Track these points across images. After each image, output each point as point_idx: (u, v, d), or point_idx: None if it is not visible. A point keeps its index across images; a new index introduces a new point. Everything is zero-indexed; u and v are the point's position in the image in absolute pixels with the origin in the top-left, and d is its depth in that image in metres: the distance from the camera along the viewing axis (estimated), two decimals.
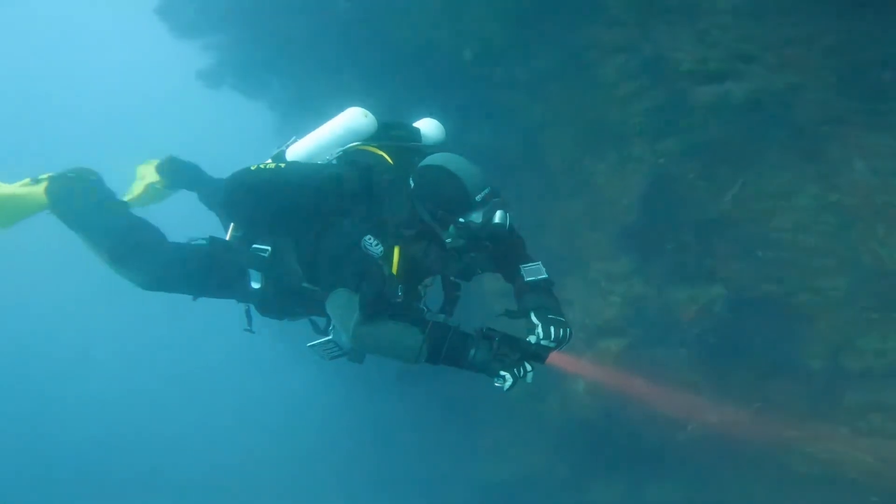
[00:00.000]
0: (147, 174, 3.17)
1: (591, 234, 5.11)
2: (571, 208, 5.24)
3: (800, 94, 3.75)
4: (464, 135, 3.32)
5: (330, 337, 2.46)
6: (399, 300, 2.27)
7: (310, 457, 8.95)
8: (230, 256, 2.60)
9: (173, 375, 11.07)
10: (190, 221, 2.94)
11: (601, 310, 4.98)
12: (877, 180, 3.55)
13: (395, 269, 2.25)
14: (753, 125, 4.00)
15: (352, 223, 2.29)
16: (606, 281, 5.01)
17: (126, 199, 3.05)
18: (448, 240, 2.24)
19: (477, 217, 2.19)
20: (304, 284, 2.43)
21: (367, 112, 2.58)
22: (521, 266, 2.48)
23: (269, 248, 2.47)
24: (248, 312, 2.75)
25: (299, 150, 2.65)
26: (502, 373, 2.07)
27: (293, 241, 2.44)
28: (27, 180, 2.83)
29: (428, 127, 2.76)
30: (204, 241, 2.66)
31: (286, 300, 2.58)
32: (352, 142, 2.57)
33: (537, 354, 2.17)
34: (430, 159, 2.31)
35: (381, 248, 2.25)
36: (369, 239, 2.25)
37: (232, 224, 2.68)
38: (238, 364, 10.46)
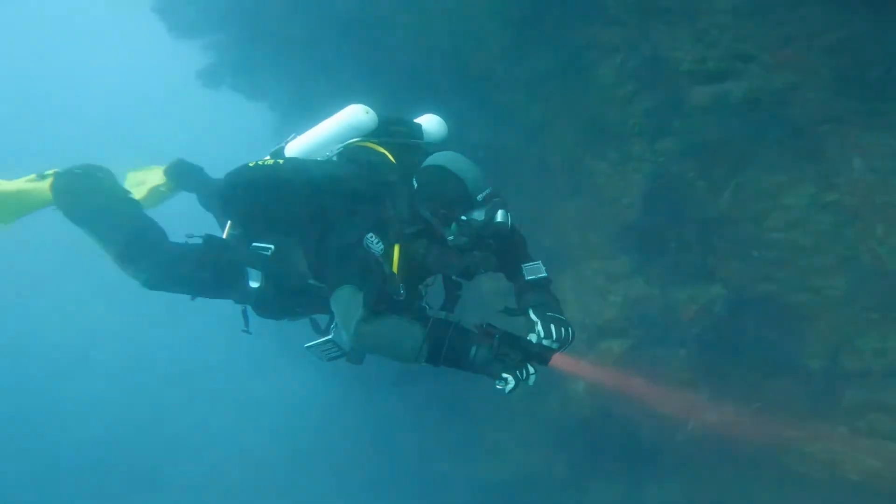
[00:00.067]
0: (148, 178, 3.16)
1: (590, 234, 5.12)
2: (571, 208, 5.24)
3: (798, 94, 3.75)
4: (464, 135, 3.31)
5: (330, 336, 2.45)
6: (401, 298, 2.26)
7: (309, 457, 8.94)
8: (228, 255, 2.58)
9: (172, 375, 11.06)
10: (190, 222, 2.93)
11: (601, 309, 4.98)
12: (875, 179, 3.55)
13: (395, 268, 2.25)
14: (752, 125, 4.00)
15: (354, 221, 2.29)
16: (606, 280, 5.01)
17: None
18: (450, 238, 2.24)
19: (479, 215, 2.19)
20: (311, 281, 2.43)
21: (368, 108, 2.57)
22: (522, 265, 2.49)
23: (271, 246, 2.45)
24: (244, 313, 2.73)
25: (298, 146, 2.63)
26: (504, 375, 2.06)
27: (297, 239, 2.43)
28: (32, 176, 2.82)
29: (430, 123, 2.75)
30: (199, 240, 2.64)
31: (287, 299, 2.56)
32: (352, 138, 2.56)
33: (541, 356, 2.16)
34: (432, 159, 2.31)
35: (382, 246, 2.24)
36: (371, 237, 2.24)
37: (229, 222, 2.67)
38: (237, 365, 10.45)
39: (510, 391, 2.06)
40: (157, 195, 3.16)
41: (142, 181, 3.13)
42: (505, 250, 2.37)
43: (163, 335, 11.54)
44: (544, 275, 2.45)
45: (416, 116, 2.80)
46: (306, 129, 2.68)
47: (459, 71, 5.57)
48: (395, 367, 6.40)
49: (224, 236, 2.67)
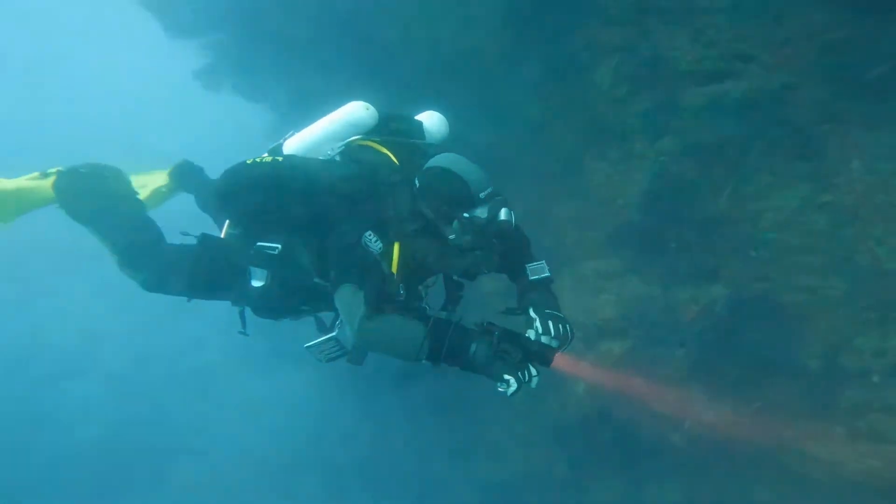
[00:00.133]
0: (150, 182, 3.16)
1: (590, 234, 5.12)
2: (570, 208, 5.24)
3: (797, 94, 3.75)
4: (464, 135, 3.32)
5: (332, 334, 2.44)
6: (400, 298, 2.26)
7: (308, 457, 8.93)
8: (228, 255, 2.57)
9: (172, 376, 11.05)
10: (189, 221, 2.92)
11: (601, 309, 4.98)
12: (874, 180, 3.55)
13: (394, 267, 2.24)
14: (751, 125, 4.00)
15: (354, 220, 2.28)
16: (605, 280, 5.02)
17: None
18: (451, 236, 2.23)
19: (482, 213, 2.19)
20: (316, 280, 2.42)
21: (368, 105, 2.55)
22: (526, 265, 2.48)
23: (278, 245, 2.44)
24: (242, 314, 2.71)
25: (298, 143, 2.61)
26: (506, 377, 2.05)
27: (301, 238, 2.43)
28: (35, 174, 2.82)
29: (430, 122, 2.74)
30: (194, 240, 2.63)
31: (292, 297, 2.56)
32: (353, 135, 2.55)
33: (542, 356, 2.15)
34: (434, 161, 2.30)
35: (381, 245, 2.23)
36: (369, 235, 2.23)
37: (227, 221, 2.66)
38: (236, 365, 10.44)
39: (512, 394, 2.05)
40: (158, 196, 3.17)
41: (143, 185, 3.13)
42: (508, 250, 2.37)
43: (163, 335, 11.53)
44: (547, 274, 2.45)
45: (417, 114, 2.79)
46: (305, 127, 2.67)
47: (459, 71, 5.57)
48: (394, 367, 6.41)
49: (222, 235, 2.65)
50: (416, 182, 2.28)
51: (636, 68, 4.48)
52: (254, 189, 2.41)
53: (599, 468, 5.44)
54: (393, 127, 2.60)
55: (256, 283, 2.51)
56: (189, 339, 11.33)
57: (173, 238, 2.79)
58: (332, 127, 2.56)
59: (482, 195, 2.20)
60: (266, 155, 2.59)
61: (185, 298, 2.77)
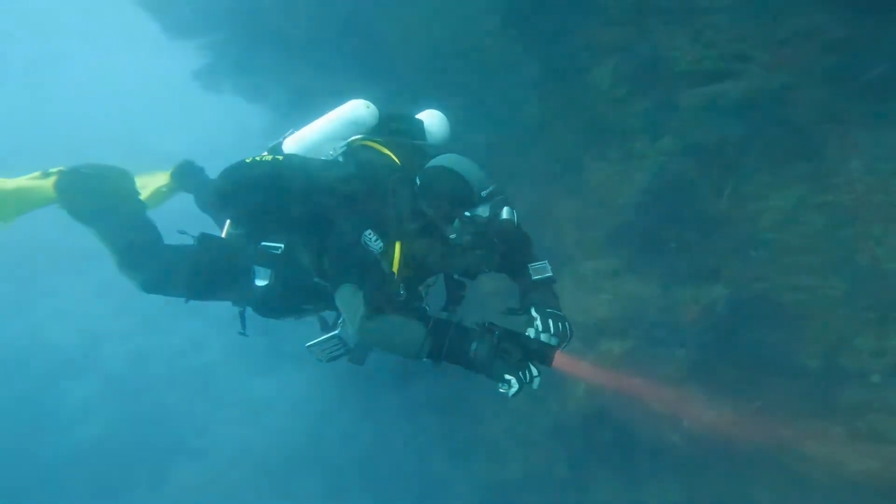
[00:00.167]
0: (151, 183, 3.16)
1: (589, 234, 5.12)
2: (570, 207, 5.24)
3: (796, 94, 3.75)
4: (464, 135, 3.33)
5: (334, 332, 2.43)
6: (401, 298, 2.26)
7: (308, 457, 8.93)
8: (230, 255, 2.57)
9: (172, 376, 11.05)
10: (187, 222, 2.92)
11: (600, 309, 4.99)
12: (873, 179, 3.55)
13: (395, 266, 2.24)
14: (750, 124, 4.00)
15: (353, 219, 2.28)
16: (605, 280, 5.02)
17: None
18: (452, 236, 2.23)
19: (483, 211, 2.19)
20: (316, 280, 2.42)
21: (369, 103, 2.55)
22: (529, 265, 2.47)
23: (281, 245, 2.44)
24: (242, 314, 2.71)
25: (298, 142, 2.60)
26: (507, 377, 2.04)
27: (301, 238, 2.43)
28: (37, 174, 2.81)
29: (431, 122, 2.74)
30: (191, 240, 2.62)
31: (295, 297, 2.56)
32: (354, 134, 2.54)
33: (542, 354, 2.15)
34: (435, 160, 2.30)
35: (382, 244, 2.23)
36: (369, 234, 2.23)
37: (228, 221, 2.65)
38: (236, 365, 10.44)
39: (514, 395, 2.04)
40: (158, 196, 3.17)
41: (144, 185, 3.13)
42: (509, 249, 2.37)
43: (163, 335, 11.53)
44: (549, 274, 2.45)
45: (417, 113, 2.79)
46: (304, 125, 2.66)
47: (459, 71, 5.57)
48: (394, 367, 6.41)
49: (223, 235, 2.65)
50: (417, 181, 2.28)
51: (636, 68, 4.48)
52: (253, 189, 2.41)
53: (599, 468, 5.44)
54: (394, 127, 2.60)
55: (260, 283, 2.50)
56: (189, 339, 11.33)
57: (171, 238, 2.79)
58: (332, 126, 2.55)
59: (484, 194, 2.20)
60: (266, 154, 2.59)
61: (183, 299, 2.76)
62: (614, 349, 4.88)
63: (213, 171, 3.11)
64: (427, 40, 5.60)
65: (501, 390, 2.07)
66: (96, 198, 2.76)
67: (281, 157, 2.51)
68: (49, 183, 2.75)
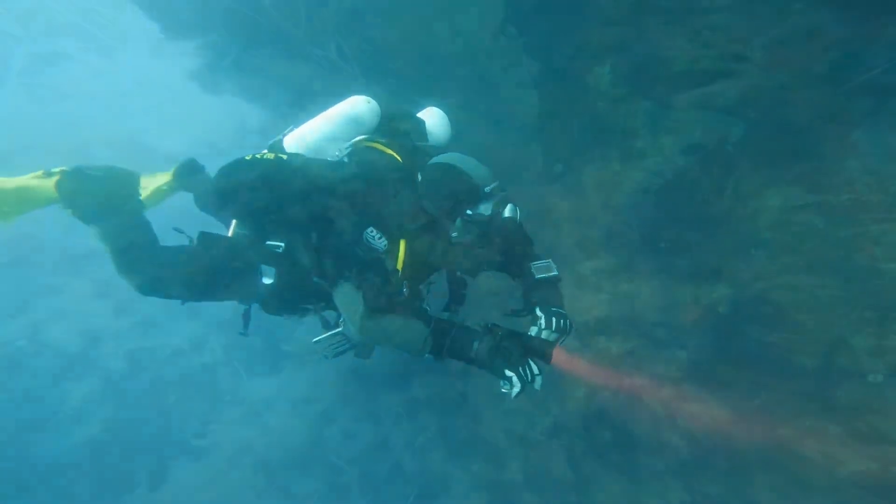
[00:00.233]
0: (152, 183, 3.16)
1: (589, 233, 5.12)
2: (570, 207, 5.24)
3: (794, 93, 3.76)
4: (463, 135, 3.34)
5: (339, 329, 2.44)
6: (404, 296, 2.26)
7: (308, 457, 8.93)
8: (235, 253, 2.57)
9: (172, 376, 11.05)
10: (185, 221, 2.92)
11: (600, 309, 4.99)
12: (872, 179, 3.56)
13: (399, 264, 2.24)
14: (749, 124, 4.01)
15: (354, 219, 2.28)
16: (605, 280, 5.02)
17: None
18: (454, 234, 2.22)
19: (485, 209, 2.18)
20: (315, 279, 2.42)
21: (369, 99, 2.54)
22: (530, 264, 2.47)
23: (282, 243, 2.44)
24: (246, 313, 2.71)
25: (300, 140, 2.59)
26: (508, 373, 2.04)
27: (301, 237, 2.42)
28: (39, 173, 2.80)
29: (433, 122, 2.74)
30: (188, 239, 2.61)
31: (297, 295, 2.56)
32: (357, 132, 2.53)
33: (541, 351, 2.15)
34: (439, 157, 2.30)
35: (386, 242, 2.23)
36: (371, 232, 2.23)
37: (234, 221, 2.65)
38: (236, 365, 10.45)
39: (516, 396, 2.04)
40: (157, 195, 3.16)
41: (145, 185, 3.13)
42: (511, 248, 2.37)
43: (163, 335, 11.53)
44: (555, 273, 2.44)
45: (418, 111, 2.79)
46: (304, 121, 2.65)
47: (459, 71, 5.57)
48: (394, 367, 6.41)
49: (229, 234, 2.65)
50: (419, 177, 2.28)
51: (635, 68, 4.48)
52: (252, 188, 2.40)
53: (599, 468, 5.45)
54: (395, 127, 2.60)
55: (267, 281, 2.50)
56: (189, 339, 11.34)
57: (170, 238, 2.78)
58: (334, 123, 2.54)
59: (487, 189, 2.20)
60: (266, 151, 2.58)
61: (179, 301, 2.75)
62: (613, 349, 4.89)
63: (213, 171, 3.12)
64: (427, 40, 5.60)
65: (504, 389, 2.07)
66: (99, 198, 2.76)
67: (284, 157, 2.50)
68: (51, 183, 2.75)
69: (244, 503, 9.08)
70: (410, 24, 5.66)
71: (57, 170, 2.80)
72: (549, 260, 2.49)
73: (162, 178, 3.15)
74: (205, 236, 2.59)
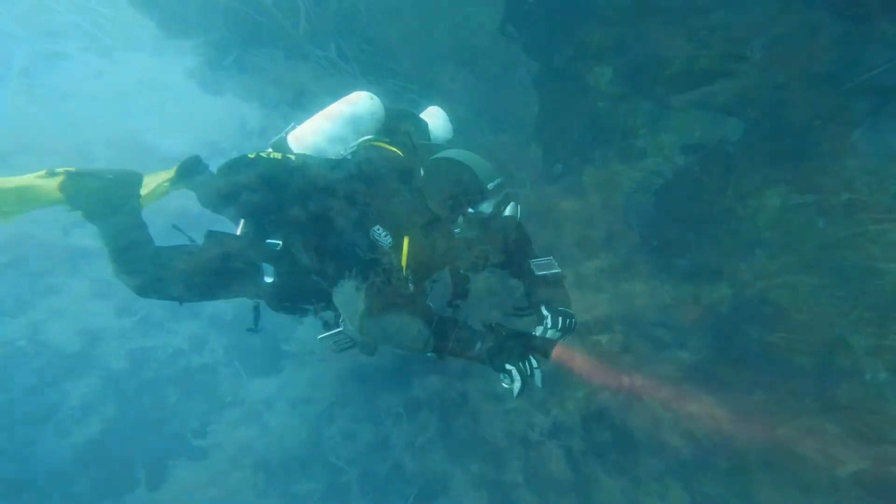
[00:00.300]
0: (153, 182, 3.15)
1: (589, 233, 5.12)
2: (570, 207, 5.24)
3: (792, 93, 3.76)
4: (463, 135, 3.35)
5: (341, 328, 2.44)
6: (409, 292, 2.26)
7: (307, 457, 8.93)
8: (239, 251, 2.57)
9: (172, 376, 11.05)
10: (182, 220, 2.91)
11: (601, 309, 4.98)
12: (870, 179, 3.56)
13: (404, 261, 2.24)
14: (748, 123, 4.01)
15: (359, 214, 2.28)
16: (606, 279, 5.02)
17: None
18: (457, 231, 2.22)
19: (487, 207, 2.18)
20: (314, 278, 2.42)
21: (372, 95, 2.55)
22: (531, 261, 2.47)
23: (279, 242, 2.44)
24: (256, 308, 2.70)
25: (304, 139, 2.59)
26: (508, 367, 2.04)
27: (301, 236, 2.42)
28: (42, 172, 2.80)
29: (436, 123, 2.75)
30: (185, 238, 2.61)
31: (296, 294, 2.56)
32: (361, 129, 2.53)
33: (543, 348, 2.16)
34: (442, 153, 2.30)
35: (391, 239, 2.23)
36: (378, 229, 2.23)
37: (242, 220, 2.65)
38: (236, 365, 10.44)
39: (518, 394, 2.04)
40: (159, 192, 3.16)
41: (146, 185, 3.13)
42: (513, 245, 2.37)
43: (163, 335, 11.53)
44: (558, 270, 2.45)
45: (420, 111, 2.80)
46: (307, 118, 2.65)
47: (459, 71, 5.57)
48: (394, 367, 6.40)
49: (238, 233, 2.65)
50: (422, 172, 2.28)
51: (635, 68, 4.48)
52: (252, 187, 2.41)
53: (599, 468, 5.44)
54: (397, 127, 2.61)
55: (268, 279, 2.50)
56: (189, 339, 11.33)
57: (170, 236, 2.78)
58: (338, 120, 2.54)
59: (490, 186, 2.19)
60: (270, 150, 2.58)
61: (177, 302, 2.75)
62: (613, 348, 4.88)
63: (213, 171, 3.11)
64: (427, 40, 5.60)
65: (504, 384, 2.07)
66: (102, 199, 2.76)
67: (286, 155, 2.50)
68: (55, 183, 2.75)
69: (244, 503, 9.07)
70: (410, 24, 5.66)
71: (61, 170, 2.80)
72: (551, 257, 2.49)
73: (165, 177, 3.15)
74: (212, 235, 2.58)
